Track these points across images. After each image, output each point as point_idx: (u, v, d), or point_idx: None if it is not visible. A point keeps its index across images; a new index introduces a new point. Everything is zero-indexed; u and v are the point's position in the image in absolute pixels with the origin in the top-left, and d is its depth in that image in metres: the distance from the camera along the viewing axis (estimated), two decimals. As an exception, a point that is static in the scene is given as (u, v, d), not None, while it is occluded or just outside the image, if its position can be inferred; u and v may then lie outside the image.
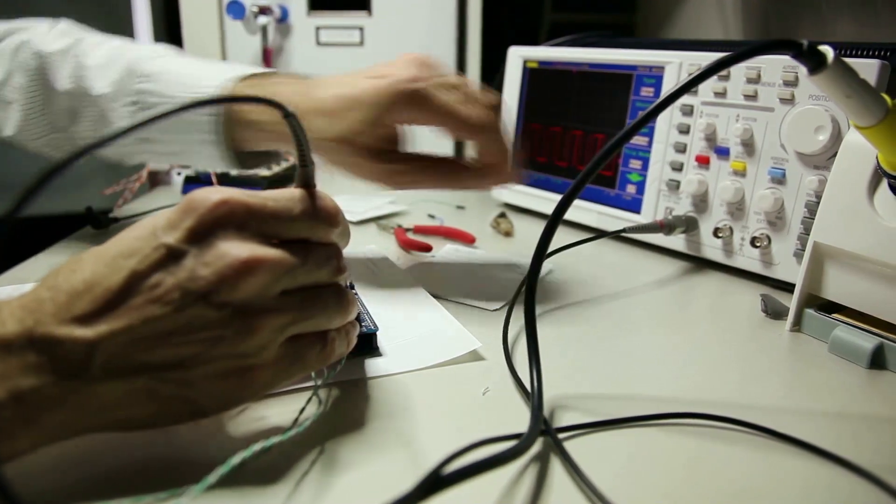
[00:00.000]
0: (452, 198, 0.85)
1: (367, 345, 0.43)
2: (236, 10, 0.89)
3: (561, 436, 0.35)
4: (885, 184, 0.44)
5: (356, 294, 0.47)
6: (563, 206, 0.37)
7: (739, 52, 0.34)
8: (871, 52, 0.52)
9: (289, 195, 0.33)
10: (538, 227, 0.74)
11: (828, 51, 0.35)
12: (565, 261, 0.61)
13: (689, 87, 0.34)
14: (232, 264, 0.29)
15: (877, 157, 0.42)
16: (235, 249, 0.29)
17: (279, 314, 0.31)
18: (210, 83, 0.54)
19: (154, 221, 0.30)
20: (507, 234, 0.70)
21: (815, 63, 0.35)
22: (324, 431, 0.35)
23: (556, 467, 0.32)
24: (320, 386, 0.37)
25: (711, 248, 0.60)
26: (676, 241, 0.63)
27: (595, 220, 0.70)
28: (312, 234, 0.33)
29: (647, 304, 0.54)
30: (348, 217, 0.74)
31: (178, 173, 0.89)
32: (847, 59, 0.50)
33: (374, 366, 0.42)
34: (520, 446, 0.30)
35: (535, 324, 0.38)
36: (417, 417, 0.37)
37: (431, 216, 0.76)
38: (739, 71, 0.57)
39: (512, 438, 0.31)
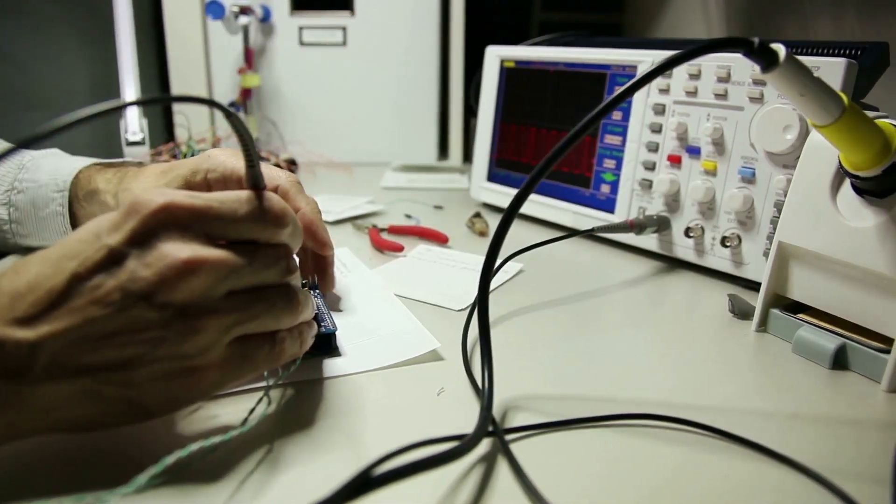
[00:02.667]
0: (430, 198, 0.85)
1: (326, 345, 0.43)
2: (215, 10, 0.89)
3: (510, 437, 0.34)
4: (847, 183, 0.43)
5: (316, 294, 0.47)
6: (516, 204, 0.37)
7: (688, 50, 0.33)
8: (842, 51, 0.52)
9: (235, 196, 0.32)
10: (515, 226, 0.74)
11: (780, 48, 0.35)
12: (537, 260, 0.61)
13: (638, 87, 0.33)
14: (172, 265, 0.29)
15: (839, 157, 0.42)
16: (176, 250, 0.29)
17: (223, 314, 0.31)
18: (66, 171, 0.55)
19: (99, 223, 0.30)
20: (482, 233, 0.69)
21: (767, 61, 0.35)
22: (274, 431, 0.35)
23: (503, 468, 0.32)
24: (272, 386, 0.37)
25: (683, 248, 0.60)
26: (649, 241, 0.63)
27: (571, 219, 0.70)
28: (260, 234, 0.33)
29: (617, 305, 0.53)
30: (325, 217, 0.75)
31: (158, 173, 0.88)
32: (817, 58, 0.51)
33: (332, 366, 0.41)
34: (461, 447, 0.30)
35: (489, 324, 0.38)
36: (369, 417, 0.36)
37: (408, 216, 0.76)
38: (710, 70, 0.57)
39: (456, 439, 0.31)
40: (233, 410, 0.36)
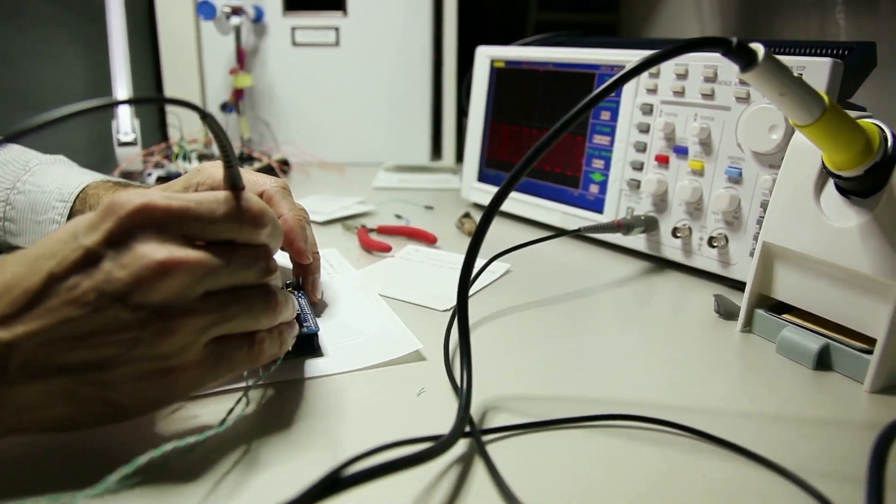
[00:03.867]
0: (422, 198, 0.85)
1: (309, 345, 0.43)
2: (207, 10, 0.89)
3: (488, 437, 0.34)
4: (831, 183, 0.43)
5: (300, 295, 0.47)
6: (497, 201, 0.37)
7: (665, 50, 0.33)
8: (829, 51, 0.52)
9: (213, 197, 0.32)
10: (503, 226, 0.74)
11: (758, 48, 0.35)
12: (525, 260, 0.61)
13: (613, 88, 0.33)
14: (148, 266, 0.29)
15: (821, 157, 0.42)
16: (152, 251, 0.29)
17: (199, 315, 0.31)
18: (74, 184, 0.55)
19: (76, 224, 0.30)
20: (471, 233, 0.69)
21: (745, 60, 0.35)
22: (253, 431, 0.34)
23: (479, 469, 0.32)
24: (252, 387, 0.37)
25: (671, 248, 0.60)
26: (637, 241, 0.62)
27: (559, 220, 0.70)
28: (238, 235, 0.33)
29: (603, 305, 0.53)
30: (315, 217, 0.75)
31: (149, 174, 0.88)
32: (803, 58, 0.50)
33: (314, 366, 0.41)
34: (435, 448, 0.29)
35: (468, 324, 0.38)
36: (349, 418, 0.36)
37: (398, 216, 0.76)
38: (697, 69, 0.57)
39: (432, 439, 0.31)
40: (212, 410, 0.36)
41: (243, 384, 0.37)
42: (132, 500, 0.29)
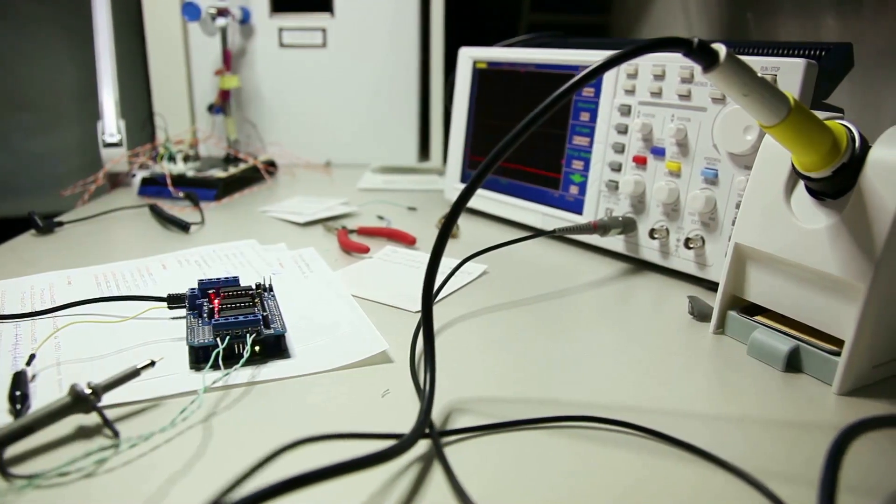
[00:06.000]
0: (406, 199, 0.85)
1: (275, 346, 0.43)
2: (191, 11, 0.89)
3: (449, 439, 0.34)
4: (801, 185, 0.43)
5: (270, 296, 0.47)
6: (464, 198, 0.36)
7: (626, 50, 0.33)
8: (807, 52, 0.52)
9: None
10: (485, 227, 0.74)
11: (720, 48, 0.34)
12: (503, 262, 0.61)
13: (577, 87, 0.33)
14: None
15: (791, 158, 0.42)
16: None
17: None
18: None
19: None
20: (453, 235, 0.69)
21: (707, 61, 0.34)
22: (212, 433, 0.34)
23: (438, 471, 0.32)
24: (207, 388, 0.37)
25: (648, 250, 0.60)
26: (616, 243, 0.62)
27: (540, 221, 0.70)
28: None
29: (579, 307, 0.53)
30: (297, 218, 0.74)
31: (134, 175, 0.88)
32: (778, 59, 0.50)
33: (280, 367, 0.41)
34: (393, 449, 0.29)
35: (433, 325, 0.38)
36: (312, 419, 0.36)
37: (380, 217, 0.76)
38: (674, 70, 0.57)
39: (392, 437, 0.31)
40: (164, 411, 0.36)
41: (196, 387, 0.37)
42: (68, 499, 0.29)
